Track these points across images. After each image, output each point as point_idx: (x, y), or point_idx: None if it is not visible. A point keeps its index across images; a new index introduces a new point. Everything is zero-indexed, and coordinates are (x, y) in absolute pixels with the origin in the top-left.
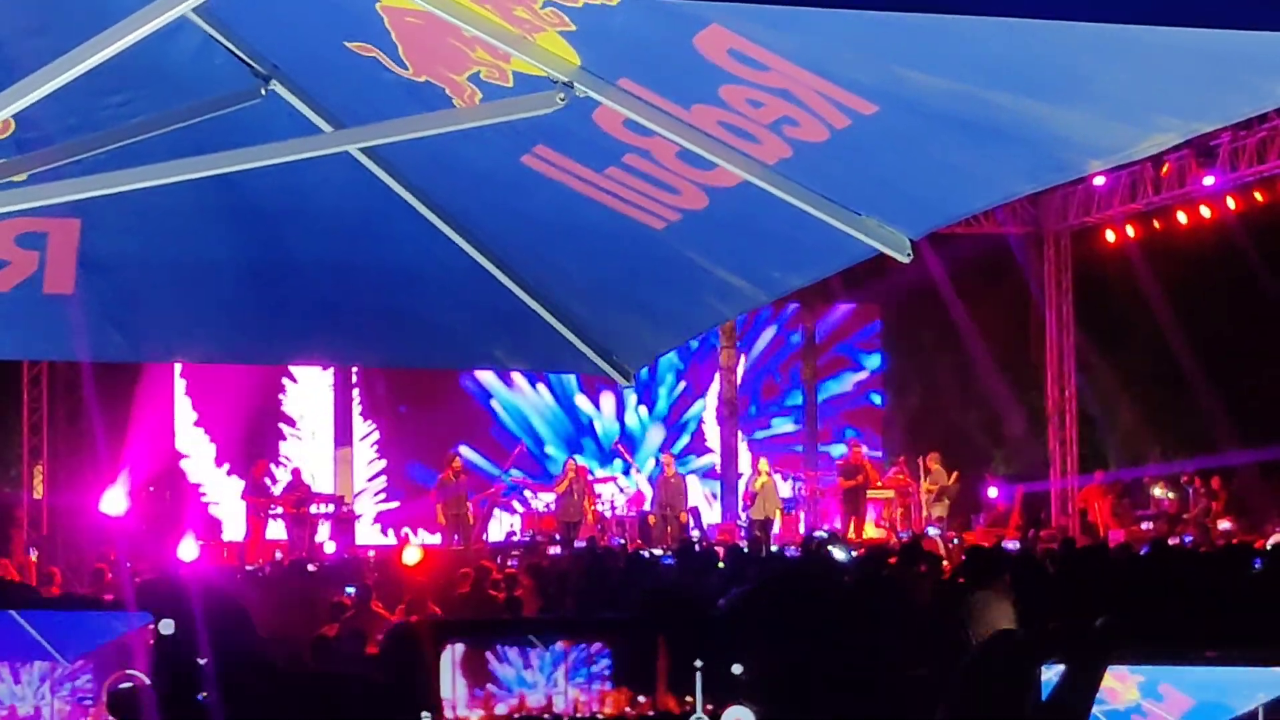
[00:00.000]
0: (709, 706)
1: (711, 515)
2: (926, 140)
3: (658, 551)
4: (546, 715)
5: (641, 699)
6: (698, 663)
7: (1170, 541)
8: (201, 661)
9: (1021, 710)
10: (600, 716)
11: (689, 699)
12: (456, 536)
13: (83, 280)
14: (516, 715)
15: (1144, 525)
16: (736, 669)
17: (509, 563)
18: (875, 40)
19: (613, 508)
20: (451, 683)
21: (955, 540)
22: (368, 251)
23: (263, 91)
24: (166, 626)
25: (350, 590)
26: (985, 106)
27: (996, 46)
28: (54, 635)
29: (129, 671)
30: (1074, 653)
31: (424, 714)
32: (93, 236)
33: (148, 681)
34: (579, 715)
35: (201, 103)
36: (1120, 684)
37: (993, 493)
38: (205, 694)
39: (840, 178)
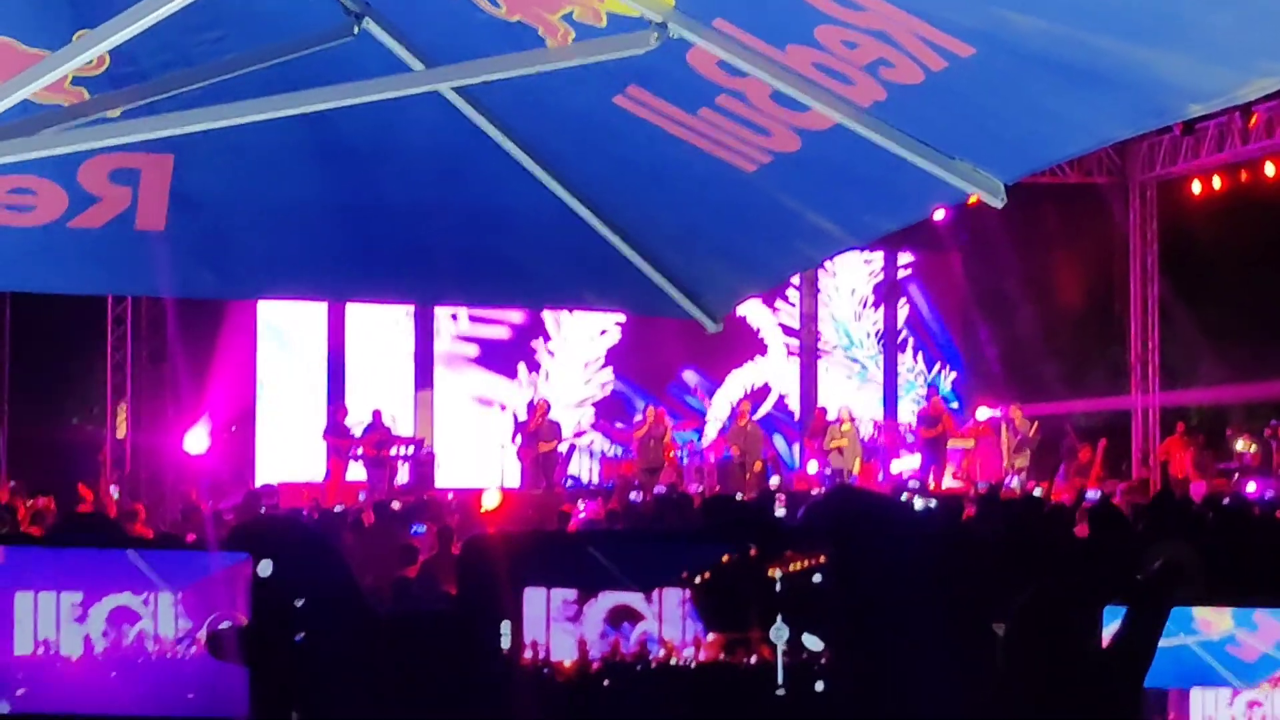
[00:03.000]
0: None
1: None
2: (1024, 83)
3: (738, 496)
4: (638, 664)
5: (734, 639)
6: (776, 573)
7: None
8: (298, 604)
9: (1082, 653)
10: (692, 664)
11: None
12: (537, 480)
13: (174, 217)
14: (605, 658)
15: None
16: (817, 578)
17: (590, 506)
18: None
19: (691, 453)
20: (543, 623)
21: (1038, 491)
22: (456, 191)
23: (355, 30)
24: (265, 568)
25: (419, 530)
26: (1084, 49)
27: None
28: (162, 572)
29: (228, 611)
30: (1134, 595)
31: (503, 623)
32: (185, 173)
33: (245, 621)
34: (673, 661)
35: (294, 40)
36: (1214, 614)
37: (1074, 444)
38: (301, 635)
39: (935, 121)
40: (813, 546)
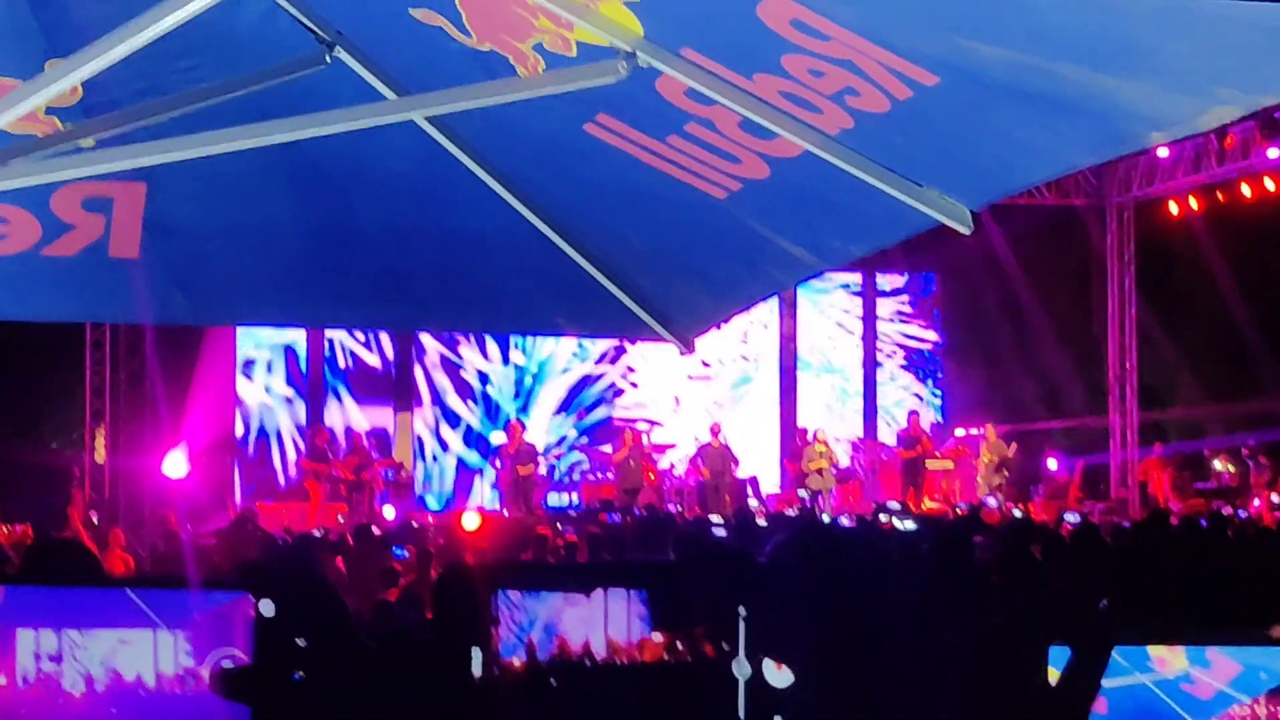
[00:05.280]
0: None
1: (770, 485)
2: (988, 111)
3: (715, 519)
4: (587, 660)
5: (679, 645)
6: (741, 610)
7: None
8: (300, 643)
9: (1029, 692)
10: (640, 662)
11: (725, 645)
12: (516, 503)
13: (148, 244)
14: (558, 658)
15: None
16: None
17: (566, 530)
18: (937, 11)
19: (671, 476)
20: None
21: (1015, 512)
22: (430, 218)
23: (327, 58)
24: (267, 608)
25: (400, 554)
26: (1047, 78)
27: (1059, 17)
28: (159, 610)
29: (229, 651)
30: (1079, 636)
31: (474, 649)
32: (158, 201)
33: (247, 660)
34: (617, 660)
35: (267, 69)
36: (1169, 653)
37: (1052, 464)
38: (300, 673)
39: (901, 148)
40: (779, 585)
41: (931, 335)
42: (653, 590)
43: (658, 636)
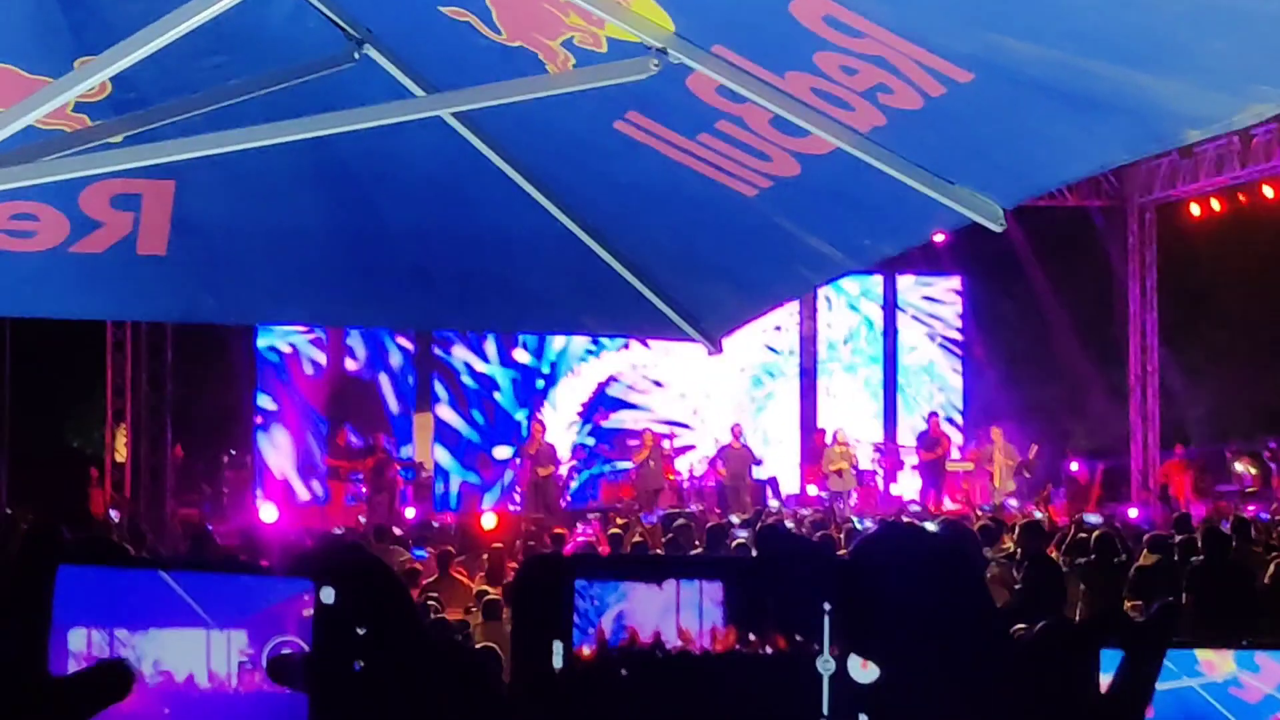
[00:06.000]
0: (834, 650)
1: (790, 486)
2: (1022, 109)
3: (735, 519)
4: (658, 650)
5: (754, 638)
6: (826, 606)
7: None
8: (360, 631)
9: (1082, 698)
10: (714, 653)
11: (805, 641)
12: (538, 503)
13: (176, 242)
14: (628, 647)
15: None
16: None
17: (586, 529)
18: (972, 8)
19: (691, 477)
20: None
21: (1036, 514)
22: (458, 216)
23: (356, 56)
24: (327, 595)
25: (420, 554)
26: (1082, 75)
27: (1094, 15)
28: (206, 599)
29: (288, 638)
30: (1133, 638)
31: (555, 643)
32: (187, 199)
33: (306, 648)
34: (690, 650)
35: (296, 66)
36: (1217, 656)
37: (1073, 467)
38: (361, 663)
39: (934, 146)
40: (868, 582)
41: (952, 335)
42: (727, 583)
43: (733, 630)
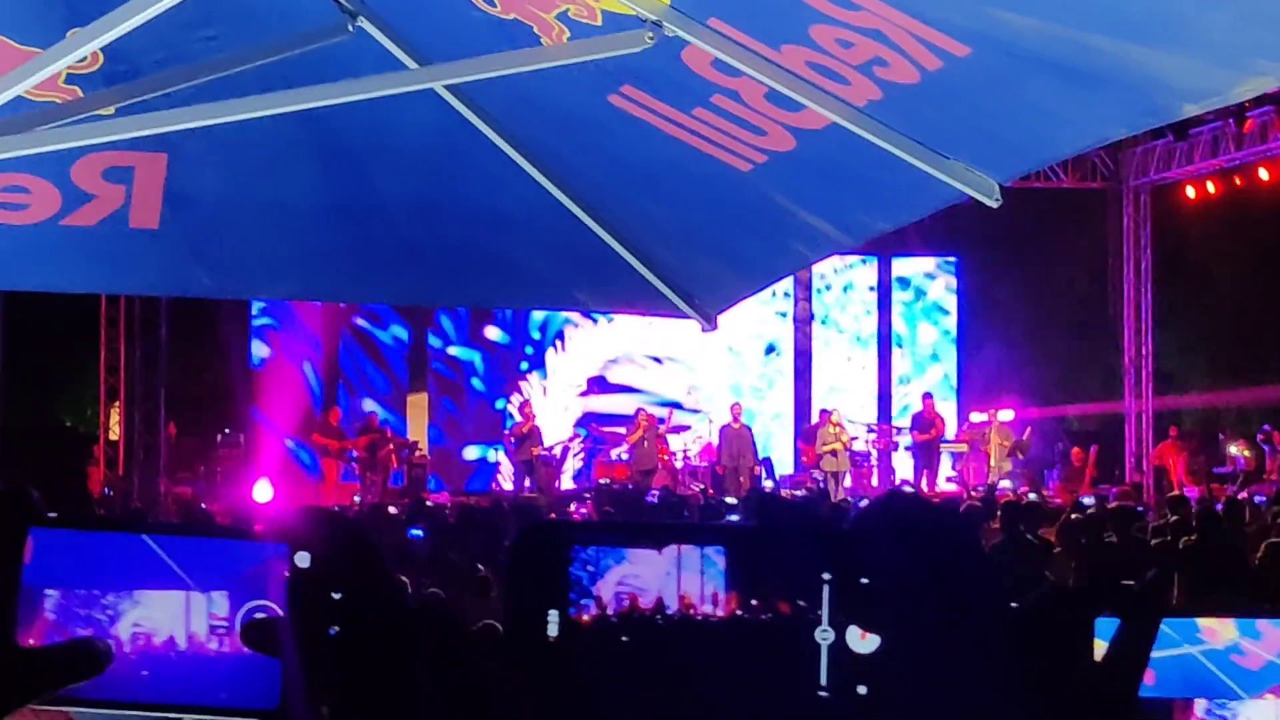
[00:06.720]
0: (834, 619)
1: (784, 467)
2: (1019, 83)
3: (730, 500)
4: (659, 616)
5: (754, 604)
6: (826, 575)
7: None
8: (336, 596)
9: (1077, 666)
10: (714, 618)
11: (804, 609)
12: (529, 483)
13: (168, 215)
14: (629, 613)
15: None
16: (864, 581)
17: (580, 510)
18: None
19: (685, 458)
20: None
21: (1031, 495)
22: (451, 190)
23: (350, 28)
24: (303, 559)
25: (416, 534)
26: (1079, 49)
27: None
28: (184, 561)
29: (263, 602)
30: (1127, 607)
31: (552, 611)
32: (179, 171)
33: (281, 613)
34: (691, 614)
35: (289, 38)
36: (1218, 624)
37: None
38: (336, 629)
39: (930, 120)
40: (868, 551)
41: (947, 317)
42: (729, 550)
43: (734, 596)
